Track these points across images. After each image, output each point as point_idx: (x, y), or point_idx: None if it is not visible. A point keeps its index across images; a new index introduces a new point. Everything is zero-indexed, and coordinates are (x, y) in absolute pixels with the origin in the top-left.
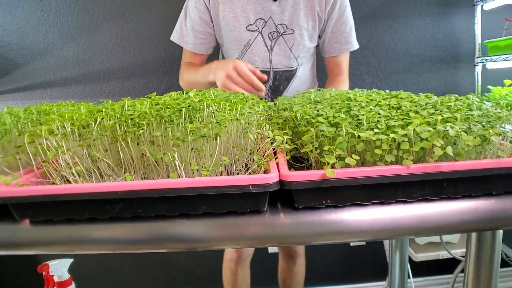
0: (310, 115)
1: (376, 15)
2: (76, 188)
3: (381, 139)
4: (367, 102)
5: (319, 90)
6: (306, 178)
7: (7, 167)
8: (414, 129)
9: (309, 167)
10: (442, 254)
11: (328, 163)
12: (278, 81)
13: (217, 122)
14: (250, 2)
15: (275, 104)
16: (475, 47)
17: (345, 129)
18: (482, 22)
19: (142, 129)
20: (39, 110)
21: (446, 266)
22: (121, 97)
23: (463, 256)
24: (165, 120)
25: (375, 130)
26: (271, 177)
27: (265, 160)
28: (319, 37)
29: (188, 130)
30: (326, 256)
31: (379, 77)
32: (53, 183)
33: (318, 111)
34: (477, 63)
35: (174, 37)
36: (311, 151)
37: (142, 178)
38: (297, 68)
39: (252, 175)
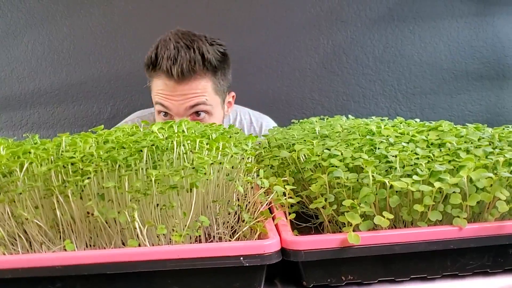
0: (319, 156)
1: (394, 16)
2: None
3: (423, 190)
4: (396, 137)
5: (323, 118)
6: (320, 245)
7: None
8: (468, 176)
9: (318, 228)
10: None
11: (349, 224)
12: None
13: (193, 168)
14: None
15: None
16: None
17: (372, 175)
18: None
19: (88, 177)
20: None
21: None
22: (50, 130)
23: None
24: (119, 165)
25: (414, 177)
26: (270, 245)
27: (258, 220)
28: None
29: (153, 179)
30: None
31: (399, 99)
32: None
33: (329, 149)
34: None
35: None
36: (324, 207)
37: (87, 247)
38: None
39: (243, 241)
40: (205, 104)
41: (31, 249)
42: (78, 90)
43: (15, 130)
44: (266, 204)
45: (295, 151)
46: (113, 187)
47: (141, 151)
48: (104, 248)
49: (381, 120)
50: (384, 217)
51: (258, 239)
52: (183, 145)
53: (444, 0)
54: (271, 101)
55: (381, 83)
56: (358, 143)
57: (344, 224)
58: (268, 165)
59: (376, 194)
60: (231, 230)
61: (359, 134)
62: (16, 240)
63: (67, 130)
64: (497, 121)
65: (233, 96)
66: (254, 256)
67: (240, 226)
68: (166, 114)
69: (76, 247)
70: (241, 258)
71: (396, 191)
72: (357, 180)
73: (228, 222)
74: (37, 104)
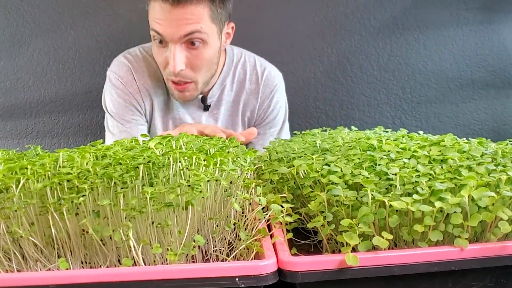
0: (318, 172)
1: (398, 25)
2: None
3: (423, 210)
4: (397, 152)
5: (325, 130)
6: (317, 266)
7: None
8: (469, 195)
9: (317, 245)
10: None
11: (347, 244)
12: None
13: (189, 185)
14: (179, 112)
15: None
16: None
17: (371, 194)
18: None
19: (83, 195)
20: None
21: None
22: (55, 139)
23: None
24: (115, 183)
25: (414, 196)
26: (267, 265)
27: (255, 238)
28: None
29: (148, 197)
30: None
31: (403, 108)
32: None
33: (329, 165)
34: None
35: (110, 141)
36: (323, 225)
37: (83, 264)
38: None
39: (239, 261)
40: (200, 32)
41: (27, 265)
42: (83, 99)
43: (20, 139)
44: (264, 222)
45: (294, 166)
46: (108, 205)
47: (138, 167)
48: (100, 266)
49: (384, 131)
50: (383, 237)
51: (255, 258)
52: (180, 162)
53: (449, 8)
54: None
55: (386, 92)
56: (359, 159)
57: (343, 243)
58: (268, 180)
59: (375, 213)
60: (229, 247)
61: (359, 149)
62: (10, 256)
63: (71, 139)
64: (503, 130)
65: (232, 27)
66: (250, 277)
67: (237, 244)
68: (161, 41)
69: (72, 264)
70: (237, 279)
71: (396, 210)
72: (356, 198)
73: (225, 238)
74: (42, 113)
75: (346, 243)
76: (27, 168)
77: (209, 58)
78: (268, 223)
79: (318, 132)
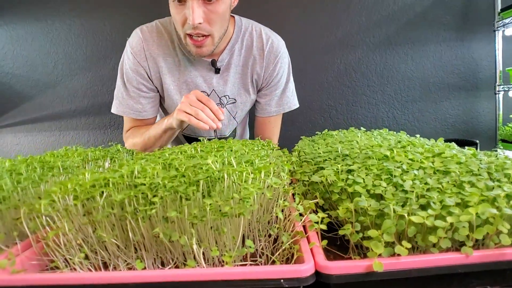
0: (343, 181)
1: (391, 41)
2: (79, 278)
3: (438, 225)
4: (407, 163)
5: (341, 132)
6: (348, 270)
7: (3, 238)
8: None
9: (342, 240)
10: None
11: (371, 249)
12: None
13: (241, 199)
14: (191, 75)
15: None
16: (496, 75)
17: (393, 208)
18: (503, 48)
19: (155, 207)
20: (41, 162)
21: None
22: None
23: None
24: (180, 196)
25: (429, 211)
26: (307, 269)
27: (293, 239)
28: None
29: (208, 209)
30: None
31: (395, 106)
32: (55, 268)
33: (352, 174)
34: (499, 91)
35: (115, 109)
36: (351, 233)
37: (155, 258)
38: (237, 126)
39: (284, 265)
40: None
41: (110, 260)
42: None
43: (105, 130)
44: (300, 225)
45: (322, 172)
46: (175, 216)
47: (198, 182)
48: (168, 261)
49: (391, 136)
50: (403, 246)
51: (294, 261)
52: (232, 176)
53: (431, 29)
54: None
55: (382, 93)
56: (377, 169)
57: (368, 248)
58: (300, 180)
59: (396, 225)
60: (273, 243)
61: (375, 158)
62: (96, 251)
63: None
64: (471, 122)
65: None
66: (293, 279)
67: (277, 244)
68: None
69: (146, 259)
70: (282, 281)
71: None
72: (380, 210)
73: (269, 235)
74: None
75: (371, 248)
76: (109, 181)
77: (223, 13)
78: (303, 223)
79: (336, 134)
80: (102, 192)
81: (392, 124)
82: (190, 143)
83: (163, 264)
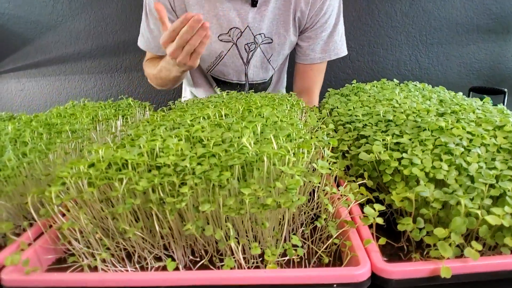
0: (397, 161)
1: None
2: (103, 280)
3: None
4: (467, 138)
5: (374, 86)
6: (410, 275)
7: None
8: None
9: (389, 219)
10: None
11: (433, 245)
12: (254, 91)
13: (286, 189)
14: (223, 8)
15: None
16: None
17: (464, 204)
18: None
19: (184, 197)
20: (48, 125)
21: None
22: (140, 72)
23: None
24: (213, 184)
25: (506, 208)
26: (363, 273)
27: (341, 230)
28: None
29: (247, 201)
30: None
31: (419, 49)
32: (71, 265)
33: (402, 147)
34: None
35: (141, 43)
36: (412, 230)
37: (184, 248)
38: (272, 75)
39: (337, 268)
40: None
41: (132, 248)
42: None
43: (112, 73)
44: (346, 212)
45: (371, 148)
46: (208, 209)
47: (232, 167)
48: (200, 254)
49: (425, 87)
50: (473, 248)
51: (347, 261)
52: (272, 159)
53: None
54: None
55: (406, 35)
56: (432, 144)
57: (429, 246)
58: (338, 149)
59: (465, 222)
60: (317, 233)
61: (429, 130)
62: (118, 243)
63: None
64: (498, 68)
65: None
66: (347, 285)
67: (324, 234)
68: None
69: (175, 251)
70: (334, 285)
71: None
72: (444, 205)
73: (307, 220)
74: (128, 52)
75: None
76: (127, 162)
77: None
78: (349, 207)
79: (369, 88)
80: (122, 181)
81: (414, 68)
82: (218, 84)
83: (193, 253)
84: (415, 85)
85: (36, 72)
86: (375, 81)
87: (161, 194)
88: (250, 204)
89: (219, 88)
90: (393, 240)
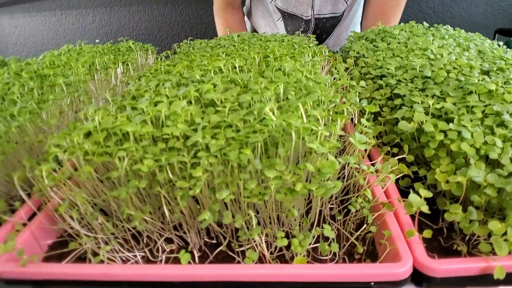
0: (443, 133)
1: None
2: (109, 273)
3: None
4: None
5: (404, 31)
6: (458, 273)
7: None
8: None
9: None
10: None
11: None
12: (321, 30)
13: (318, 172)
14: None
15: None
16: None
17: None
18: None
19: (199, 184)
20: (40, 76)
21: None
22: (141, 5)
23: None
24: (232, 166)
25: None
26: (404, 271)
27: (377, 213)
28: None
29: (272, 187)
30: None
31: None
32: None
33: (447, 114)
34: None
35: None
36: (460, 221)
37: (198, 229)
38: (344, 12)
39: (375, 265)
40: None
41: (140, 236)
42: None
43: (112, 7)
44: (381, 193)
45: (412, 115)
46: (227, 197)
47: (254, 146)
48: (217, 240)
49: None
50: None
51: (386, 255)
52: (301, 135)
53: None
54: None
55: None
56: (482, 113)
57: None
58: (369, 113)
59: None
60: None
61: (476, 93)
62: (122, 223)
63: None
64: None
65: None
66: (386, 283)
67: (354, 218)
68: None
69: (188, 233)
70: (372, 283)
71: None
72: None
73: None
74: None
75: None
76: (128, 135)
77: None
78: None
79: (398, 33)
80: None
81: (437, 5)
82: (283, 16)
83: (208, 233)
84: (447, 30)
85: (30, 7)
86: (402, 24)
87: (170, 175)
88: (276, 189)
89: (282, 22)
90: (430, 219)
